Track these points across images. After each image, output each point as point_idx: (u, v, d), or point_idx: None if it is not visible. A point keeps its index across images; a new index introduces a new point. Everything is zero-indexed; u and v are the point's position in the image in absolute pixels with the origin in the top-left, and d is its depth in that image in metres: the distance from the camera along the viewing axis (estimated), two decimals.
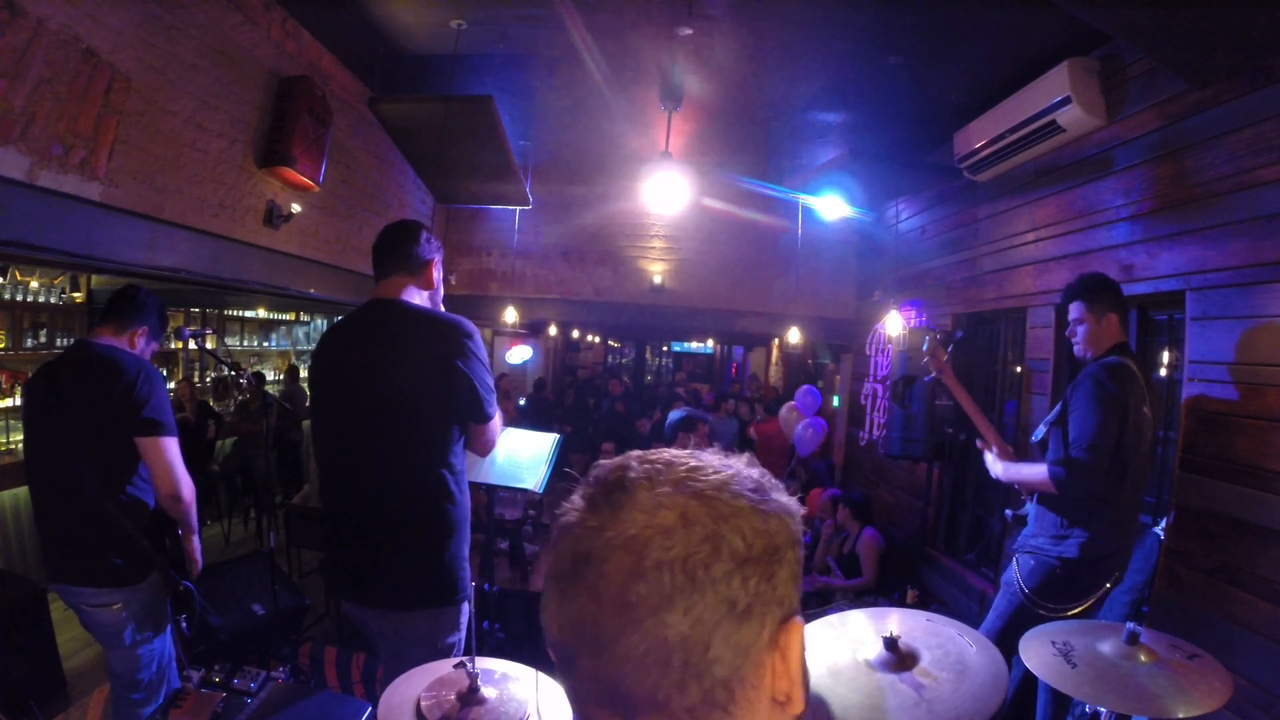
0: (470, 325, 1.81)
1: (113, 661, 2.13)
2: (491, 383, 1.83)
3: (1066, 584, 2.23)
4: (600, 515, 0.51)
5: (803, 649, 0.53)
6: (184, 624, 2.21)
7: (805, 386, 6.50)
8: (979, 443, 2.62)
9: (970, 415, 2.67)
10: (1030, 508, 2.46)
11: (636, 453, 0.56)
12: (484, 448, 1.92)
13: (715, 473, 0.53)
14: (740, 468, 0.55)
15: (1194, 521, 2.38)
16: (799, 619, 0.53)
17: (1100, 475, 2.16)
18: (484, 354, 1.82)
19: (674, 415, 3.74)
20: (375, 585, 1.77)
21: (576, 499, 0.54)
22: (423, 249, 1.89)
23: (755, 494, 0.52)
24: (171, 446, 2.09)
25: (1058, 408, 2.35)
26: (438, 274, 1.94)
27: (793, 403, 6.45)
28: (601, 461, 0.57)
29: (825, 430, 6.12)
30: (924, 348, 2.87)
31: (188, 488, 2.13)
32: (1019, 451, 3.04)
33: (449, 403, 1.75)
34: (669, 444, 3.08)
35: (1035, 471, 2.32)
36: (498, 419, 1.87)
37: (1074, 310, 2.37)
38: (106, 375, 2.03)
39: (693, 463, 0.54)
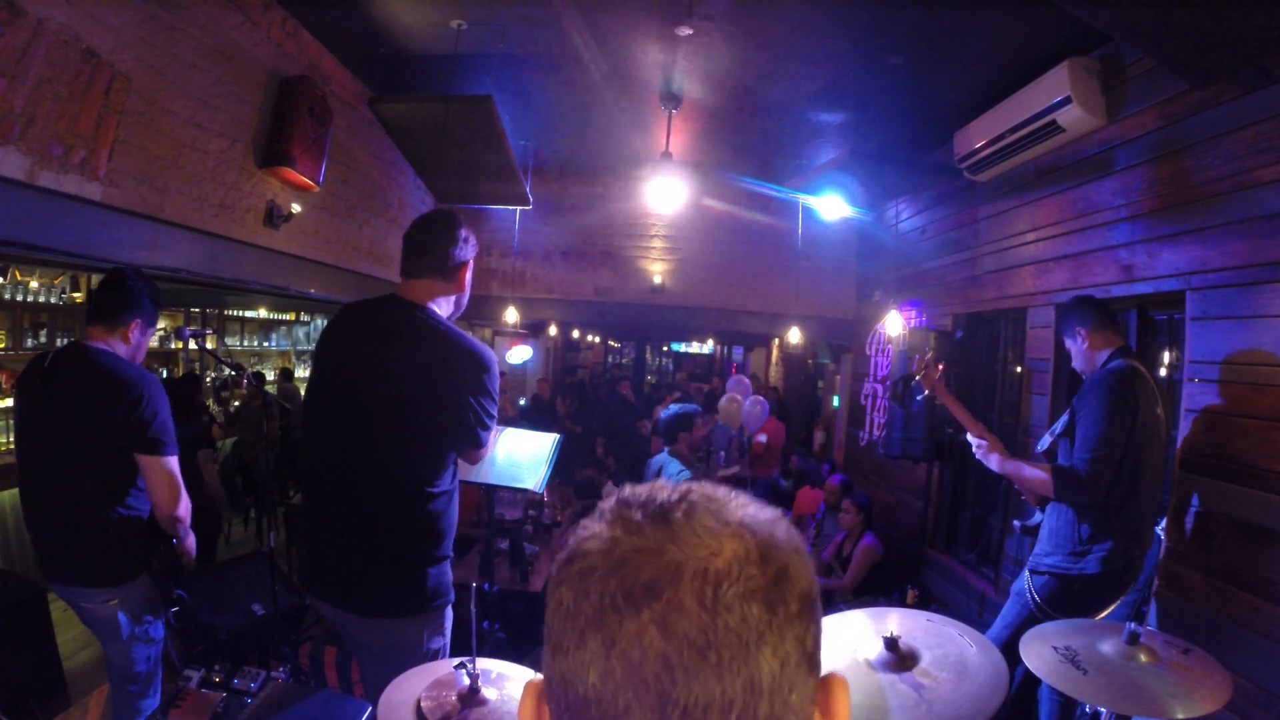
0: (489, 356, 1.77)
1: (111, 655, 2.14)
2: (495, 411, 1.81)
3: (1085, 597, 2.22)
4: (651, 538, 0.43)
5: (849, 709, 0.48)
6: (173, 619, 2.21)
7: (735, 376, 6.57)
8: (969, 436, 2.59)
9: (967, 427, 2.65)
10: (1041, 520, 2.44)
11: (664, 481, 0.50)
12: (473, 460, 1.94)
13: (759, 508, 0.48)
14: (768, 507, 0.49)
15: (1194, 521, 2.38)
16: (839, 674, 0.48)
17: (1102, 486, 2.16)
18: (496, 385, 1.79)
19: (668, 412, 3.72)
20: (363, 593, 1.73)
21: (601, 524, 0.47)
22: (460, 249, 1.79)
23: (798, 536, 0.47)
24: (172, 465, 2.07)
25: (1064, 417, 2.35)
26: (469, 275, 1.86)
27: (729, 392, 6.48)
28: (630, 486, 0.50)
29: (769, 408, 6.16)
30: (913, 368, 2.88)
31: (184, 506, 2.11)
32: (1020, 453, 3.03)
33: (450, 430, 1.74)
34: (670, 442, 3.07)
35: (1035, 470, 2.32)
36: (492, 435, 1.87)
37: (1065, 344, 2.56)
38: (109, 391, 1.98)
39: (731, 495, 0.48)
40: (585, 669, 0.42)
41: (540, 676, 0.48)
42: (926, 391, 2.78)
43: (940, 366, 2.76)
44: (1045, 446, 2.45)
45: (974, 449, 2.54)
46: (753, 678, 0.40)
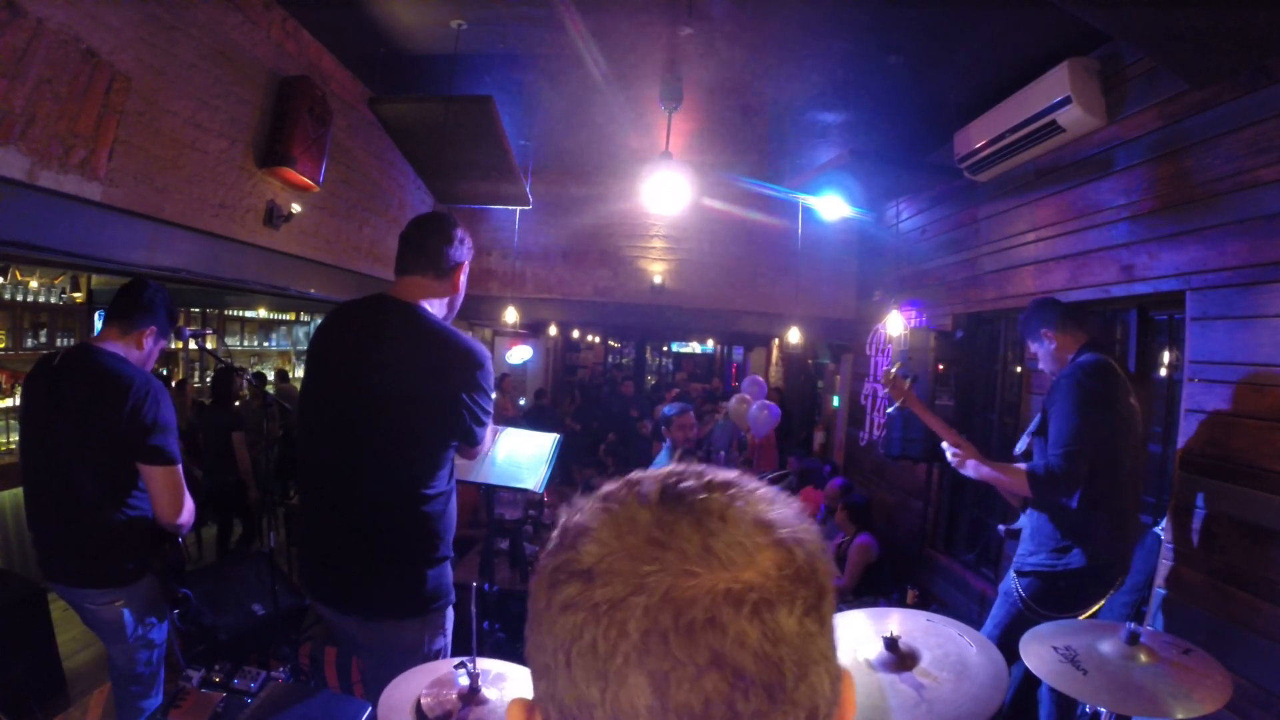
0: (483, 353, 1.76)
1: (114, 656, 2.13)
2: (491, 408, 1.81)
3: (1072, 594, 2.21)
4: (683, 556, 0.39)
5: (854, 704, 0.46)
6: (178, 619, 2.21)
7: (750, 376, 6.56)
8: (944, 445, 2.56)
9: (942, 435, 2.60)
10: (1024, 521, 2.43)
11: (679, 467, 0.45)
12: (471, 457, 1.94)
13: (784, 502, 0.44)
14: (789, 498, 0.46)
15: (1195, 522, 2.38)
16: (845, 668, 0.45)
17: (1078, 479, 2.15)
18: (491, 382, 1.79)
19: (665, 411, 3.96)
20: (363, 594, 1.73)
21: (609, 528, 0.41)
22: (455, 250, 1.78)
23: (819, 530, 0.45)
24: (174, 475, 2.06)
25: (1038, 418, 2.35)
26: (464, 278, 1.85)
27: (741, 392, 6.48)
28: (638, 477, 0.45)
29: (779, 414, 6.12)
30: (880, 381, 2.89)
31: (187, 514, 2.10)
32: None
33: (446, 428, 1.74)
34: (662, 440, 3.15)
35: (1010, 471, 2.31)
36: (488, 433, 1.87)
37: (1030, 348, 2.56)
38: (113, 393, 1.97)
39: (753, 486, 0.44)
40: (644, 713, 0.37)
41: (525, 696, 0.44)
42: (898, 404, 2.76)
43: (909, 380, 2.75)
44: (1023, 448, 2.44)
45: (949, 457, 2.51)
46: (814, 706, 0.39)
